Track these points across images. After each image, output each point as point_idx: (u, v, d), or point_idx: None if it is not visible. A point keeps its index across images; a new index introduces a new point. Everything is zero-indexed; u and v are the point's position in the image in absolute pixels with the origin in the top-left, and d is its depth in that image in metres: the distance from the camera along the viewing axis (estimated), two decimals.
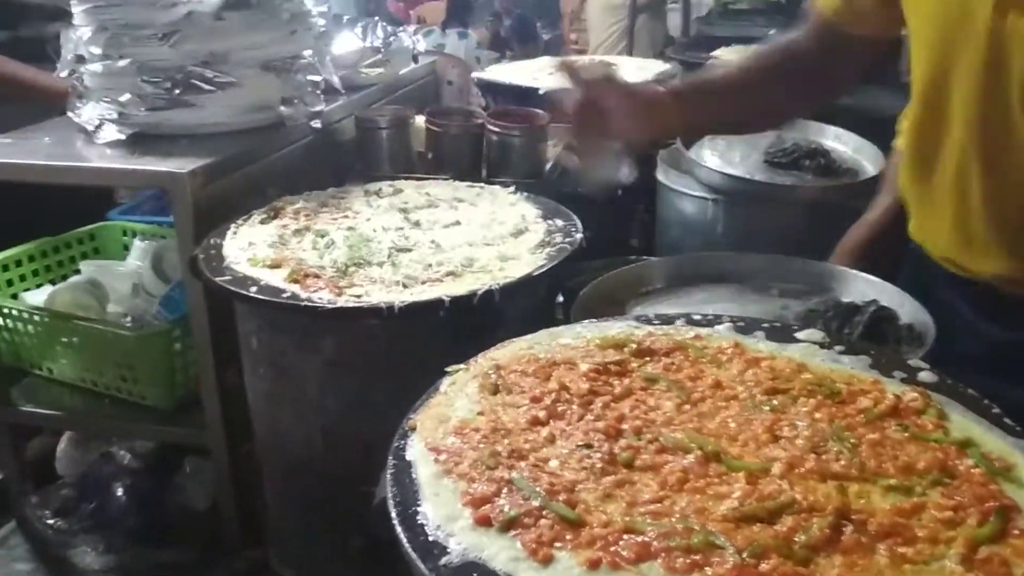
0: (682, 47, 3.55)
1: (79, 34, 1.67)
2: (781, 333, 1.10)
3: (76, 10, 1.69)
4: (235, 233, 1.50)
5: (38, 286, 2.02)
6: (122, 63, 1.63)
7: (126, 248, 2.11)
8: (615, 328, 1.10)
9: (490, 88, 2.51)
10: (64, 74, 1.73)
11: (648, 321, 1.13)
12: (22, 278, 2.00)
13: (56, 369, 1.83)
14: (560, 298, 1.54)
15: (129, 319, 1.76)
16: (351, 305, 1.23)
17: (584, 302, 1.39)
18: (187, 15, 1.60)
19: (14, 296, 1.94)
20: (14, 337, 1.84)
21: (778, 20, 3.66)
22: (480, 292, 1.24)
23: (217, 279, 1.33)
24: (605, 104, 1.32)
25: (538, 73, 2.50)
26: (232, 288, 1.30)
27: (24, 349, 1.85)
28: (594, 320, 1.14)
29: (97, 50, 1.65)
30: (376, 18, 2.32)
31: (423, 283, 1.28)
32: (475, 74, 2.56)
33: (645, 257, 1.74)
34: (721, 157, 2.05)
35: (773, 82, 1.44)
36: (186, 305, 1.60)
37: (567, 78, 1.34)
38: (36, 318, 1.79)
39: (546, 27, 8.35)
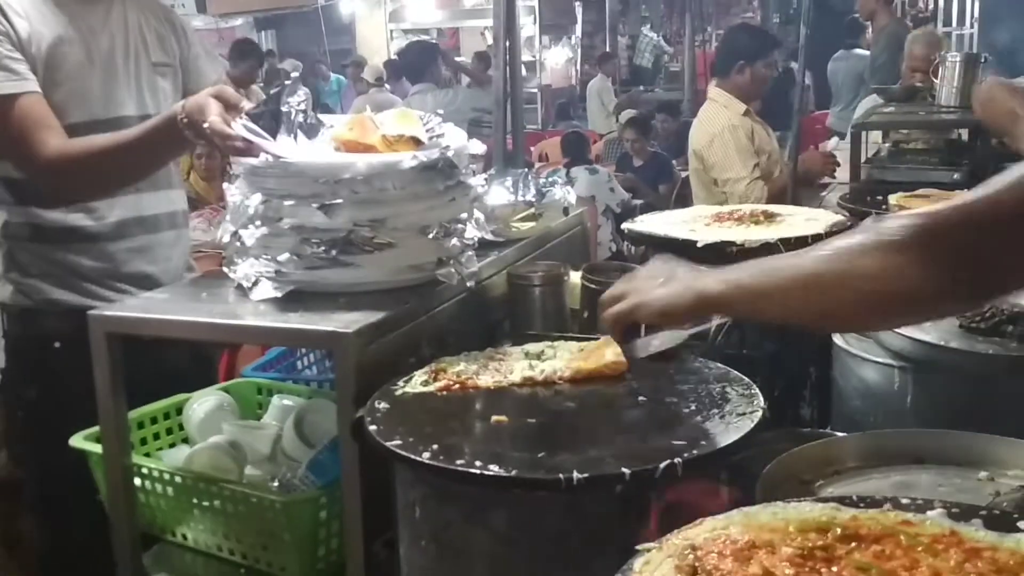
0: (852, 194, 3.58)
1: (239, 200, 1.92)
2: (1000, 522, 1.14)
3: (239, 174, 1.94)
4: (399, 395, 1.66)
5: (171, 446, 2.23)
6: (283, 225, 1.86)
7: (260, 407, 2.32)
8: (817, 510, 1.16)
9: (641, 241, 2.65)
10: (226, 238, 1.96)
11: (852, 503, 1.19)
12: (155, 436, 2.22)
13: (191, 535, 2.00)
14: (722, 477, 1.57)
15: (276, 483, 1.92)
16: (527, 476, 1.36)
17: (770, 481, 1.46)
18: (350, 190, 1.81)
19: (146, 455, 2.14)
20: (149, 499, 2.03)
21: (962, 164, 3.71)
22: (663, 466, 1.36)
23: (388, 443, 1.47)
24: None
25: (695, 223, 2.62)
26: (404, 453, 1.44)
27: (159, 512, 2.03)
28: (789, 501, 1.20)
29: (258, 214, 1.88)
30: (526, 170, 2.54)
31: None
32: (627, 225, 2.68)
33: (830, 432, 1.77)
34: None
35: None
36: (339, 470, 1.76)
37: None
38: (176, 479, 1.97)
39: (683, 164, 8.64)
